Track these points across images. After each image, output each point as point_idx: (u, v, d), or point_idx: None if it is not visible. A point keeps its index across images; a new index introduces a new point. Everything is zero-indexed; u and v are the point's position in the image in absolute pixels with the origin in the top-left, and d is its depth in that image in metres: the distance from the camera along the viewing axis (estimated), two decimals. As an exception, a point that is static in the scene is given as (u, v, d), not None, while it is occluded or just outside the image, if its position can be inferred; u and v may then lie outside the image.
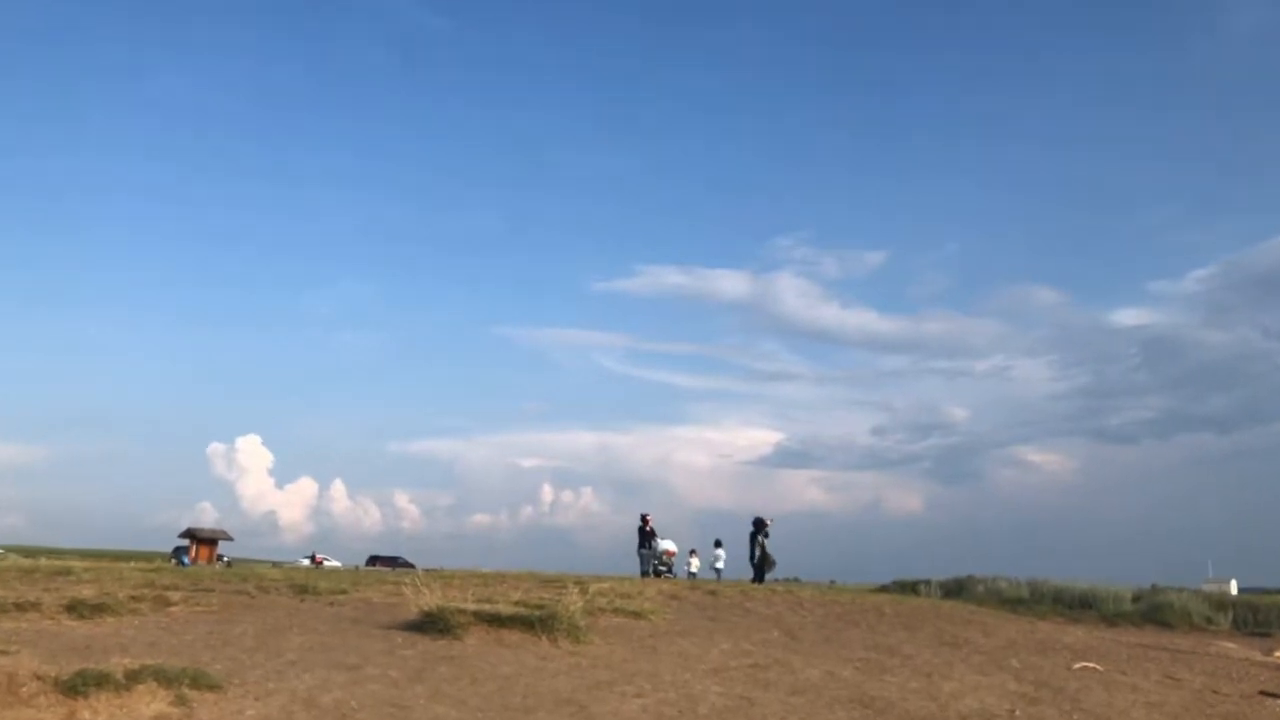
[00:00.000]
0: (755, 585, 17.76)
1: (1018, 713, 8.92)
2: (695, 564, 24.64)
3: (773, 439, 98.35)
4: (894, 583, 21.97)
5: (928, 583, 23.03)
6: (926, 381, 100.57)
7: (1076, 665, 11.48)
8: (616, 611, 11.95)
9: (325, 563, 50.49)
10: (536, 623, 10.06)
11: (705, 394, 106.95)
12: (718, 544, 23.70)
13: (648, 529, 23.20)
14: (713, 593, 14.80)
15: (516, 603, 11.02)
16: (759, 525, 20.81)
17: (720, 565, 23.31)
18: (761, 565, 20.20)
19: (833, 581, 27.28)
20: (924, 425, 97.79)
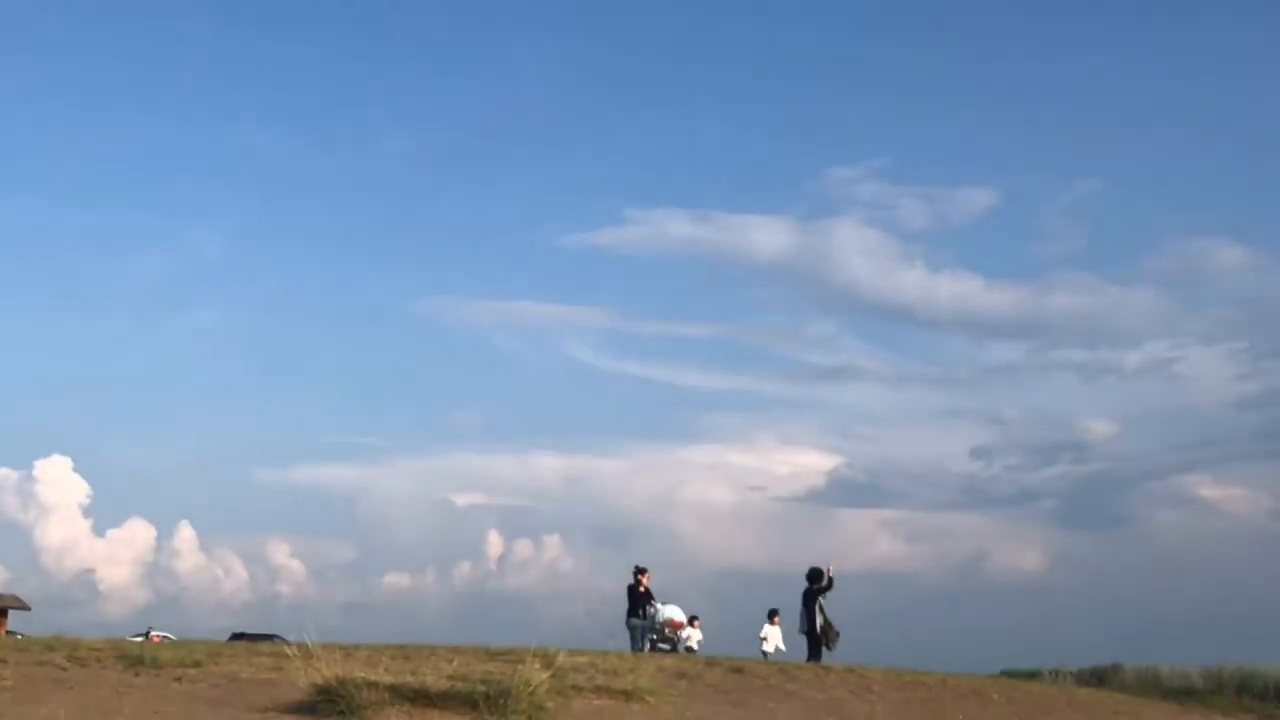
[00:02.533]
0: (810, 665, 17.85)
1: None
2: (695, 636, 24.93)
3: (827, 465, 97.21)
4: (1003, 673, 22.17)
5: (1055, 672, 23.35)
6: (1053, 381, 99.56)
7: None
8: (599, 690, 12.01)
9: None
10: (481, 702, 10.15)
11: (728, 399, 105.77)
12: (773, 616, 23.91)
13: (642, 589, 23.32)
14: (739, 670, 14.85)
15: (452, 677, 11.06)
16: (816, 579, 20.93)
17: (769, 647, 23.56)
18: (822, 636, 20.31)
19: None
20: (1048, 445, 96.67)
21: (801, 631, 21.04)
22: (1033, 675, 22.63)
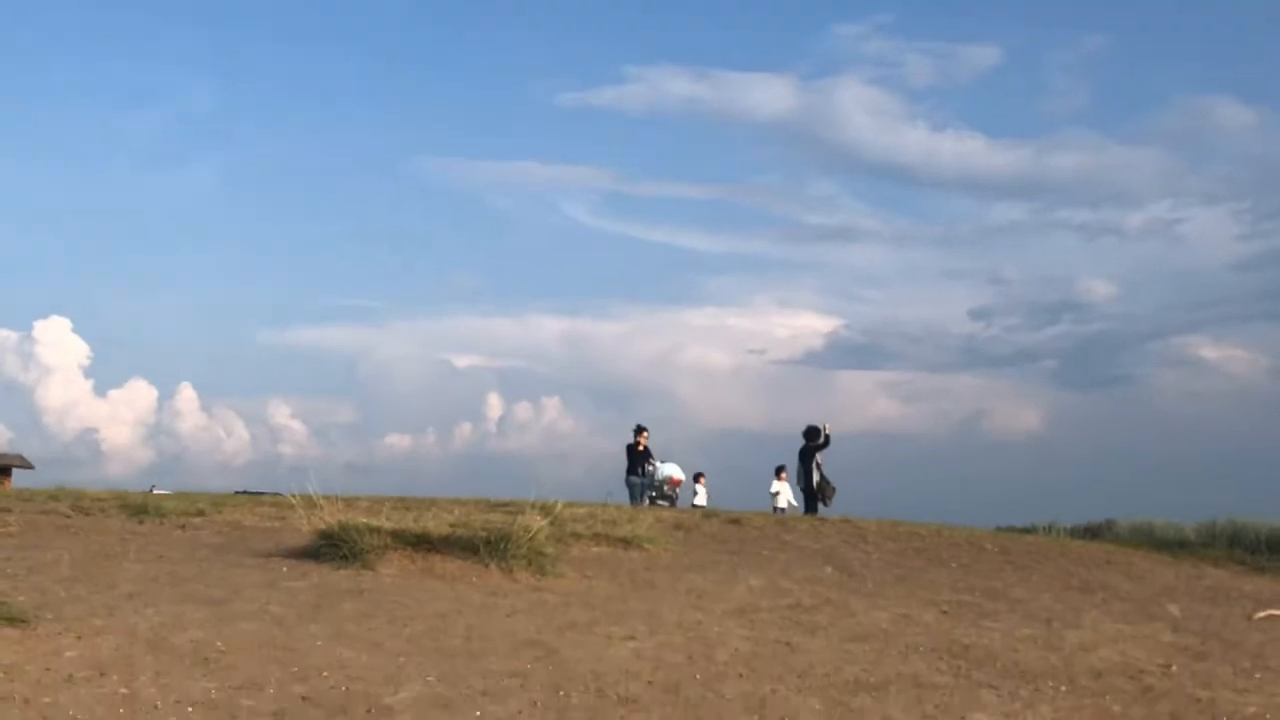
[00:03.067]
0: (807, 517, 18.22)
1: (1175, 667, 9.31)
2: (701, 493, 25.30)
3: (827, 327, 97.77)
4: (999, 529, 22.52)
5: (1049, 527, 23.67)
6: (1055, 241, 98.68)
7: (1260, 614, 11.92)
8: (598, 538, 12.34)
9: (171, 503, 51.69)
10: (483, 547, 10.38)
11: (727, 261, 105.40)
12: (780, 472, 24.22)
13: (641, 448, 23.67)
14: (736, 521, 15.21)
15: (453, 524, 11.31)
16: (812, 436, 21.21)
17: (782, 502, 23.96)
18: (818, 491, 20.69)
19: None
20: (1049, 306, 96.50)
21: (799, 487, 21.45)
22: (1028, 531, 23.04)
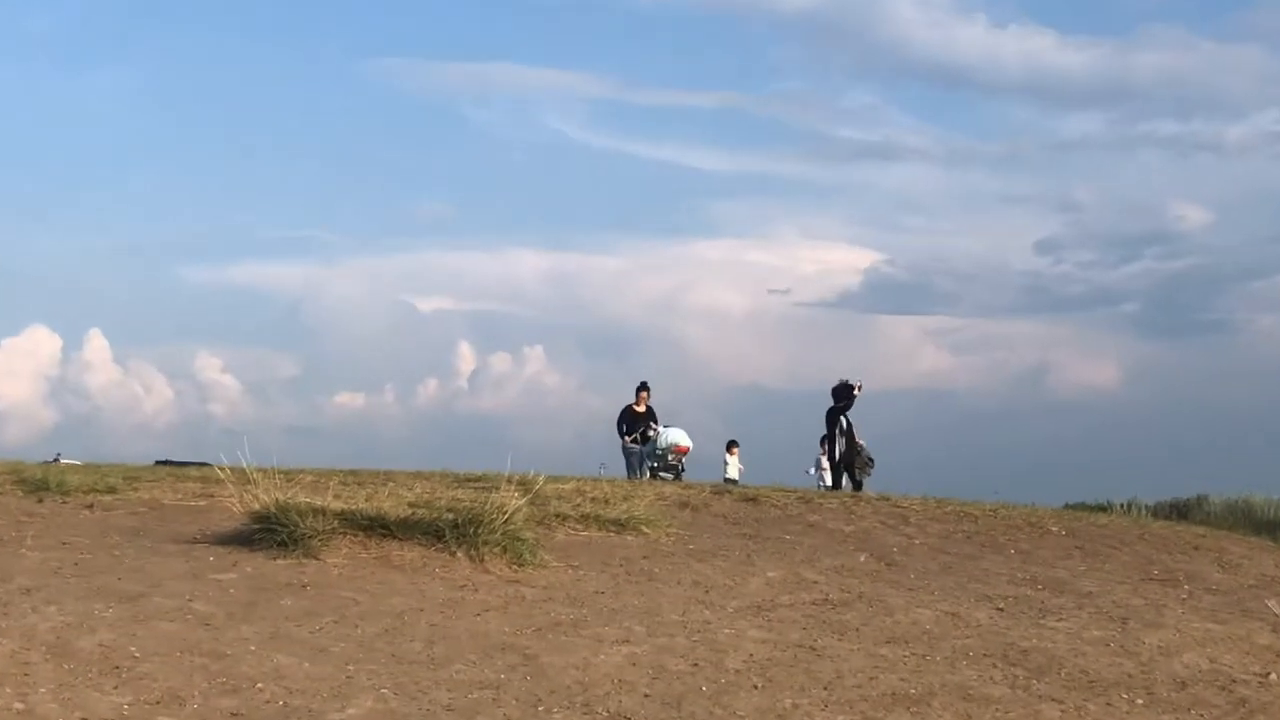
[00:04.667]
0: (834, 493, 18.29)
1: (1274, 676, 9.38)
2: (734, 466, 25.43)
3: (863, 262, 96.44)
4: (1068, 507, 22.65)
5: (1128, 505, 23.81)
6: (1138, 159, 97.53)
7: (1376, 611, 11.99)
8: (586, 521, 12.40)
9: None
10: (449, 531, 10.43)
11: (744, 183, 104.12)
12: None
13: (642, 409, 23.74)
14: (753, 499, 15.24)
15: (413, 504, 11.34)
16: (842, 396, 21.21)
17: (828, 481, 24.09)
18: (848, 460, 20.72)
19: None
20: (1130, 237, 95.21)
21: (830, 457, 21.50)
22: (1102, 509, 23.19)
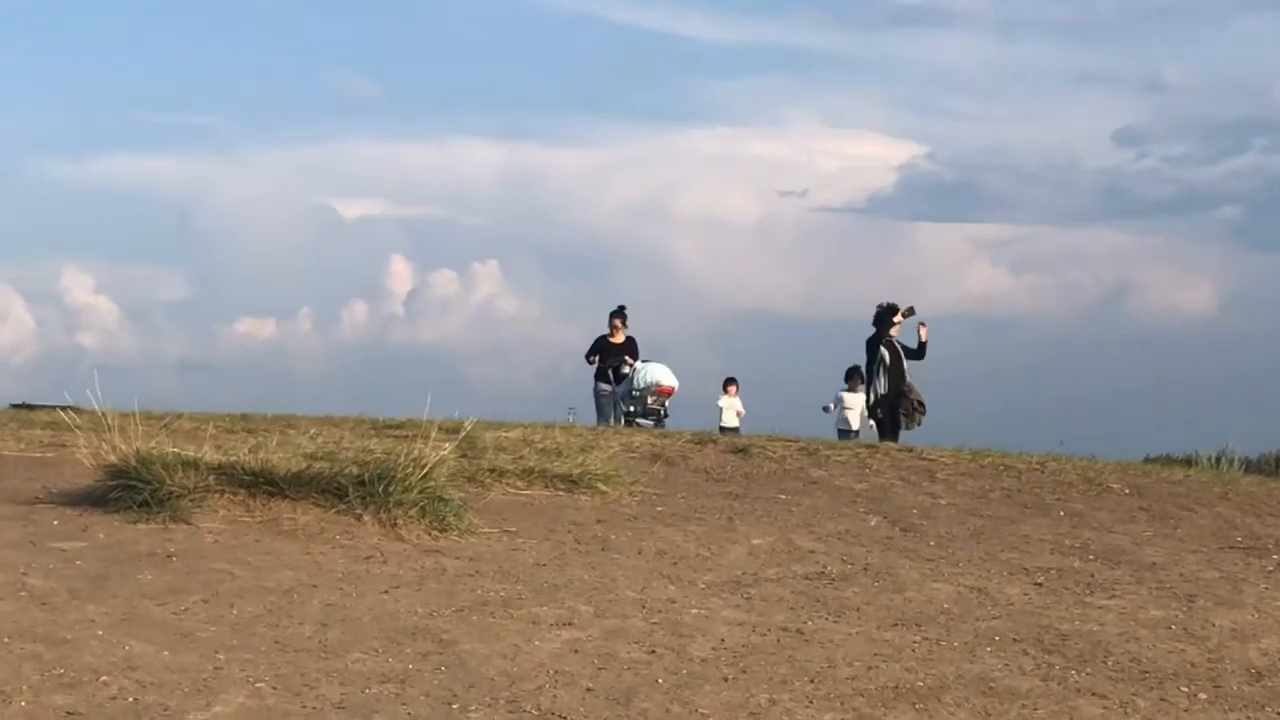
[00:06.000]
0: (848, 444, 18.37)
1: (1371, 666, 9.45)
2: (734, 408, 25.57)
3: (898, 157, 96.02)
4: (1149, 461, 22.73)
5: (1219, 457, 23.89)
6: (1242, 28, 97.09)
7: None
8: (530, 476, 12.47)
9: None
10: (353, 490, 10.47)
11: (749, 56, 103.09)
12: (851, 376, 24.39)
13: (618, 340, 23.79)
14: (742, 450, 15.31)
15: (312, 455, 11.39)
16: (884, 320, 21.23)
17: (852, 424, 24.20)
18: (893, 404, 20.77)
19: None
20: (1232, 125, 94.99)
21: (869, 402, 21.59)
22: (1187, 463, 23.23)
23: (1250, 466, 24.17)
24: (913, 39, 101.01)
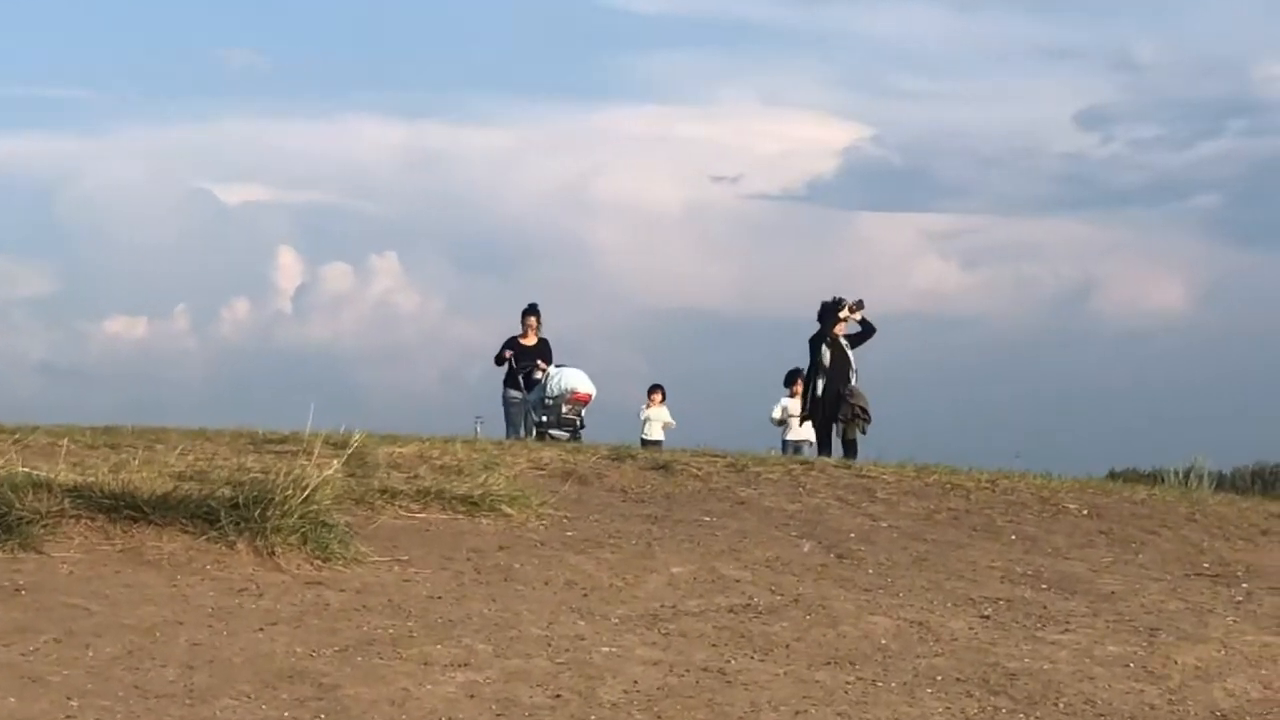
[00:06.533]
0: (783, 459, 18.35)
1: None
2: (660, 419, 25.60)
3: (842, 139, 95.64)
4: (1112, 475, 22.89)
5: (1188, 472, 24.04)
6: (1215, 1, 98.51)
7: None
8: (426, 498, 12.33)
9: None
10: (225, 514, 10.34)
11: (679, 27, 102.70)
12: (791, 381, 24.37)
13: (531, 343, 23.71)
14: (664, 467, 15.25)
15: (181, 475, 11.25)
16: (828, 317, 21.16)
17: (794, 436, 24.25)
18: (831, 410, 20.68)
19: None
20: (1207, 106, 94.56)
21: (805, 407, 21.59)
22: (1153, 479, 23.38)
23: (1222, 483, 24.43)
24: (860, 9, 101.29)
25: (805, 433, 23.33)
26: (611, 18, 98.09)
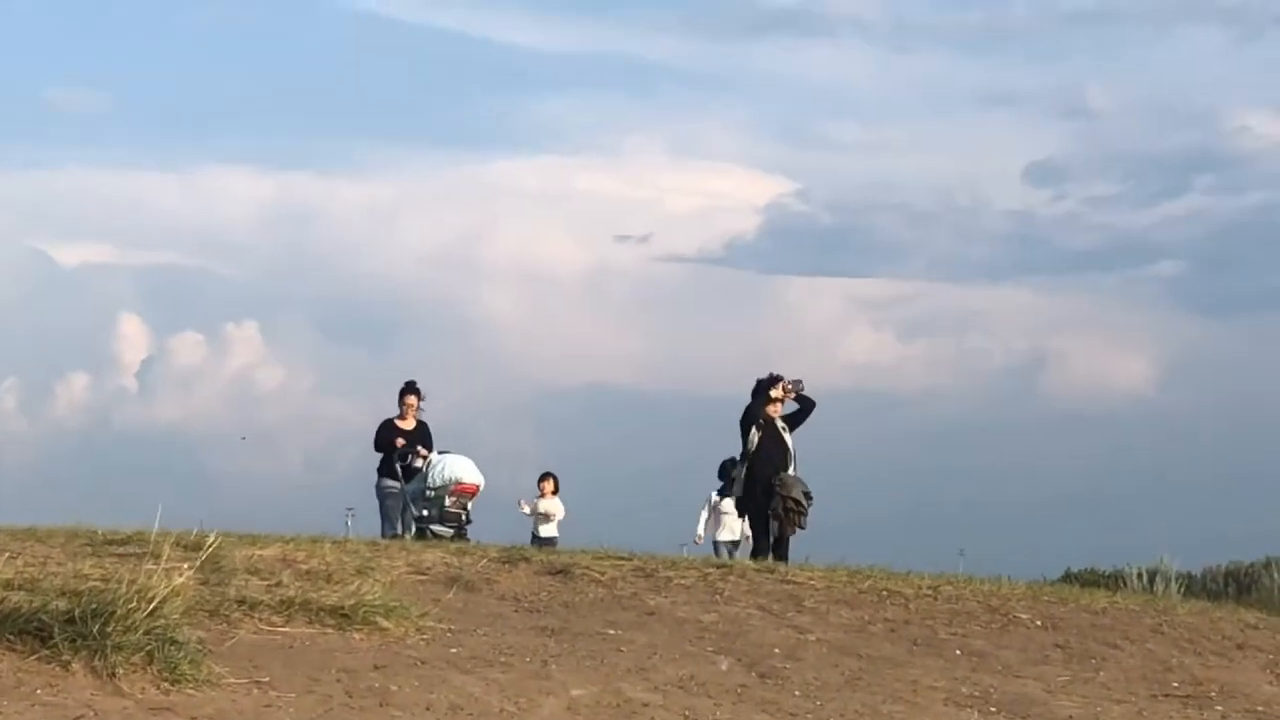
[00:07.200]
0: (698, 562, 18.28)
1: None
2: (552, 512, 25.65)
3: (765, 194, 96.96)
4: (1068, 577, 23.05)
5: (1153, 573, 24.27)
6: (1181, 42, 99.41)
7: None
8: (289, 609, 12.22)
9: None
10: (59, 630, 10.21)
11: (581, 68, 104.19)
12: (725, 473, 24.38)
13: (409, 425, 23.69)
14: (563, 571, 15.15)
15: (9, 584, 11.27)
16: (758, 395, 21.14)
17: (728, 536, 24.28)
18: (760, 503, 20.60)
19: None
20: (1170, 159, 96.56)
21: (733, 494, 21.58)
22: (1112, 582, 23.55)
23: (1191, 585, 24.64)
24: (783, 50, 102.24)
25: (740, 531, 23.36)
26: (505, 56, 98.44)
